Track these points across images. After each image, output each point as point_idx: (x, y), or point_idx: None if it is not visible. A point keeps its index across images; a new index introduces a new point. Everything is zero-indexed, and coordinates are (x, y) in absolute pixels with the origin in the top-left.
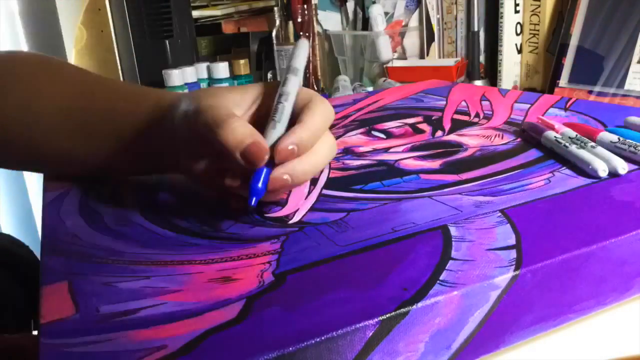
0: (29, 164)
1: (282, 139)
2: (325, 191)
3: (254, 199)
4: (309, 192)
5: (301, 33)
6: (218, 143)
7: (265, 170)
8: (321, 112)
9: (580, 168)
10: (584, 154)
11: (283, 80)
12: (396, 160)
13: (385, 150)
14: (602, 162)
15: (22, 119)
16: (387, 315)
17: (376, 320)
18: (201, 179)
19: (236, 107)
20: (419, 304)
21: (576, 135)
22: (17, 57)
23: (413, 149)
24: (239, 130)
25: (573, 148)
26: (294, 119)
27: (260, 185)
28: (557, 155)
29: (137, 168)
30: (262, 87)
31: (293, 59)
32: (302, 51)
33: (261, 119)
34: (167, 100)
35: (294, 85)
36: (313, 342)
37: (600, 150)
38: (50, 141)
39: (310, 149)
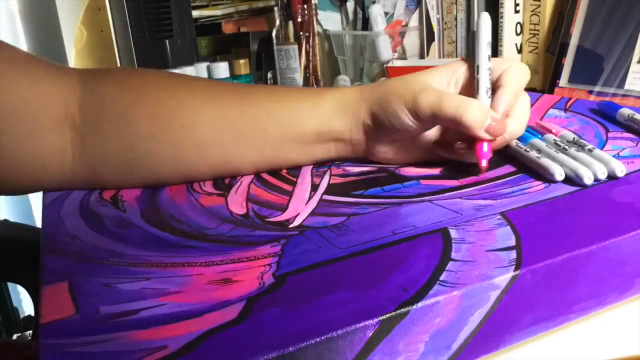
0: (175, 178)
1: (494, 105)
2: (325, 196)
3: (484, 160)
4: (310, 198)
5: (301, 33)
6: (460, 123)
7: None
8: (518, 75)
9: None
10: (542, 159)
11: (475, 56)
12: (397, 167)
13: None
14: (558, 166)
15: (168, 132)
16: (387, 315)
17: (376, 320)
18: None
19: (444, 88)
20: (419, 304)
21: (565, 139)
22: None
23: None
24: (480, 111)
25: (532, 154)
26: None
27: (486, 149)
28: (515, 162)
29: (305, 161)
30: (448, 69)
31: (479, 35)
32: (487, 25)
33: (460, 92)
34: (349, 94)
35: (487, 58)
36: (313, 342)
37: (579, 154)
38: (205, 153)
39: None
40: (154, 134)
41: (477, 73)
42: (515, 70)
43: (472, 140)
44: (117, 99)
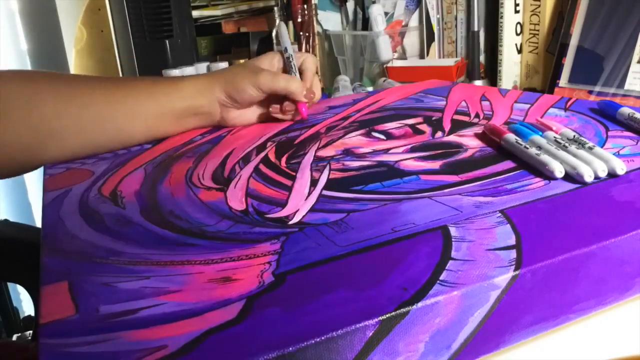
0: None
1: (304, 81)
2: (325, 192)
3: (305, 114)
4: (309, 193)
5: (301, 33)
6: (288, 92)
7: None
8: (312, 62)
9: (537, 169)
10: (542, 156)
11: (285, 50)
12: (396, 161)
13: (385, 151)
14: (558, 163)
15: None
16: (387, 315)
17: (376, 320)
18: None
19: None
20: (419, 304)
21: (565, 137)
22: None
23: (413, 149)
24: (299, 84)
25: (532, 150)
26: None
27: (304, 108)
28: (515, 158)
29: (181, 130)
30: (268, 57)
31: (283, 37)
32: (285, 30)
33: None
34: (204, 81)
35: (292, 51)
36: (313, 342)
37: (580, 152)
38: (102, 127)
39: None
40: (59, 113)
41: (291, 61)
42: (310, 59)
43: (294, 103)
44: (20, 91)
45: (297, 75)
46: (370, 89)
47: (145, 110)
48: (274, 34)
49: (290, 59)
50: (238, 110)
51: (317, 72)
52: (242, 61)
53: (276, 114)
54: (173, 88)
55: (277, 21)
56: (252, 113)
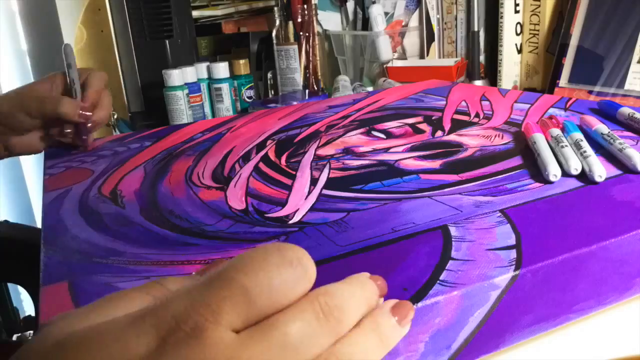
0: None
1: (84, 99)
2: (325, 191)
3: (85, 138)
4: (309, 192)
5: (301, 33)
6: (59, 115)
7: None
8: (98, 77)
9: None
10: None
11: (67, 70)
12: (396, 161)
13: (385, 150)
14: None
15: None
16: None
17: None
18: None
19: (47, 93)
20: (419, 304)
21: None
22: None
23: (413, 149)
24: (71, 104)
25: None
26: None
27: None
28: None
29: None
30: (49, 79)
31: (67, 55)
32: (71, 50)
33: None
34: None
35: (75, 70)
36: None
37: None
38: None
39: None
40: None
41: (69, 79)
42: (94, 75)
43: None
44: None
45: (78, 94)
46: (370, 89)
47: None
48: (273, 33)
49: (69, 74)
50: (18, 136)
51: (106, 87)
52: (242, 62)
53: (58, 137)
54: None
55: (65, 46)
56: (37, 137)
